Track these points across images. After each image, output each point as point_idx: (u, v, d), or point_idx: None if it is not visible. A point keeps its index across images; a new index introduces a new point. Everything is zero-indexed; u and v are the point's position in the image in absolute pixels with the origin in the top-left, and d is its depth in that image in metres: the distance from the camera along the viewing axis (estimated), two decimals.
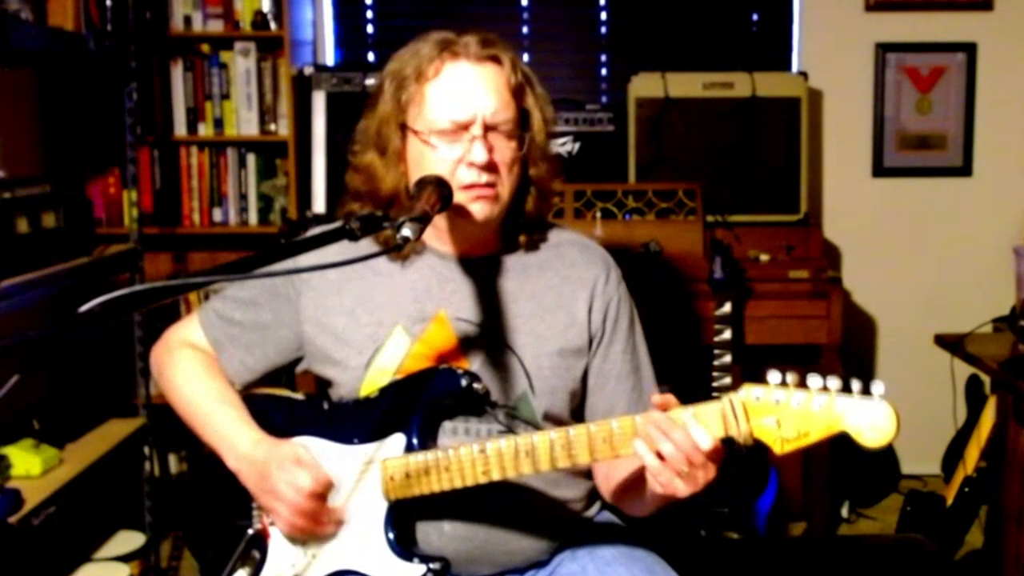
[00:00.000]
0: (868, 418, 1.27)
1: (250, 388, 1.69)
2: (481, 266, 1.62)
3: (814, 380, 1.30)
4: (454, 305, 1.59)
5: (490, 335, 1.59)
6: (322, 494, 1.51)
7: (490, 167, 1.51)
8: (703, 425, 1.34)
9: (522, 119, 1.57)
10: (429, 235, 1.60)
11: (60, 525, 2.53)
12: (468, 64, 1.53)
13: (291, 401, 1.66)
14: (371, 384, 1.58)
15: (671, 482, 1.35)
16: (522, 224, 1.64)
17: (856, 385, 1.28)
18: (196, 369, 1.66)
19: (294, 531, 1.53)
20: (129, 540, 2.96)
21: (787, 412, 1.31)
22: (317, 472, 1.51)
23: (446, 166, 1.51)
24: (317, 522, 1.52)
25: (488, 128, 1.52)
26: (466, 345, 1.58)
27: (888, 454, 3.71)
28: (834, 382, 1.29)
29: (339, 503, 1.54)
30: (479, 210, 1.53)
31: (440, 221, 1.57)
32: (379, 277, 1.62)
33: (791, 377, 1.31)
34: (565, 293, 1.63)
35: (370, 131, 1.60)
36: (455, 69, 1.53)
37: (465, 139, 1.51)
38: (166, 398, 1.70)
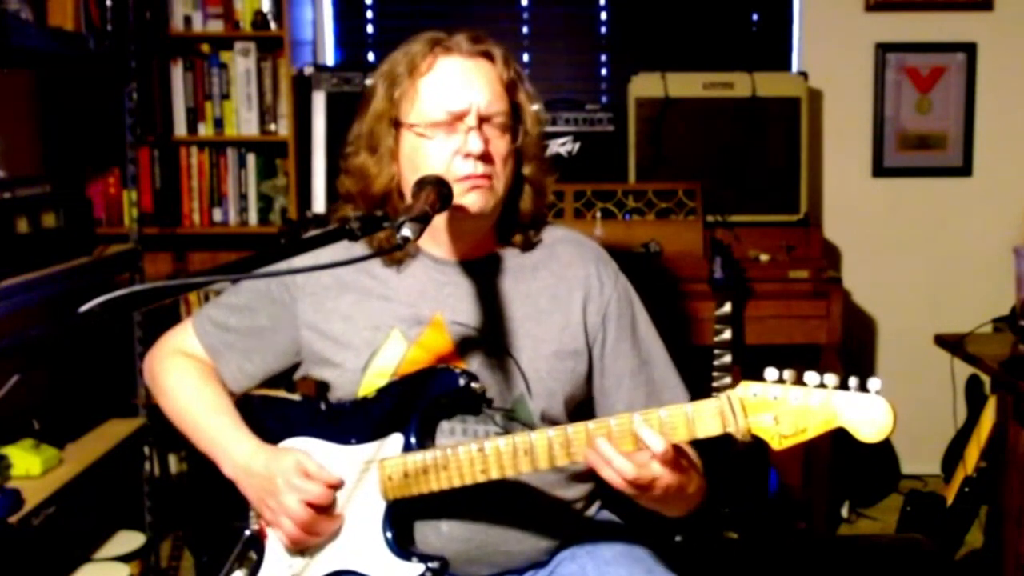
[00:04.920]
0: (865, 413, 1.28)
1: (247, 393, 1.68)
2: (477, 268, 1.62)
3: (811, 376, 1.31)
4: (450, 308, 1.59)
5: (487, 338, 1.59)
6: (331, 498, 1.51)
7: (485, 158, 1.52)
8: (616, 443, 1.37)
9: (515, 114, 1.58)
10: (424, 238, 1.59)
11: (60, 525, 2.52)
12: (460, 58, 1.54)
13: (288, 402, 1.65)
14: (368, 386, 1.58)
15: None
16: (517, 224, 1.64)
17: (853, 381, 1.29)
18: (189, 377, 1.66)
19: (299, 544, 1.52)
20: (129, 540, 2.96)
21: (784, 408, 1.32)
22: (327, 480, 1.50)
23: (441, 158, 1.51)
24: (323, 534, 1.52)
25: (482, 120, 1.52)
26: (463, 348, 1.58)
27: (888, 454, 3.71)
28: (831, 378, 1.30)
29: (338, 504, 1.54)
30: (473, 201, 1.53)
31: (436, 220, 1.57)
32: (375, 282, 1.62)
33: (788, 374, 1.32)
34: (560, 294, 1.63)
35: (362, 132, 1.60)
36: (448, 63, 1.54)
37: (460, 130, 1.51)
38: (160, 407, 1.70)
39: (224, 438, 1.58)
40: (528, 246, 1.65)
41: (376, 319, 1.59)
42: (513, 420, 1.59)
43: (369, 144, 1.59)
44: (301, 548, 1.54)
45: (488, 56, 1.56)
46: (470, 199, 1.52)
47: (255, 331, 1.66)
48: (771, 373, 1.33)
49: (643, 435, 1.36)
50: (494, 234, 1.64)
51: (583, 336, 1.63)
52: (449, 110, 1.51)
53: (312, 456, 1.54)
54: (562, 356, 1.61)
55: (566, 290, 1.63)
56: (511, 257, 1.65)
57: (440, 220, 1.57)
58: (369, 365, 1.58)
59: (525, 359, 1.59)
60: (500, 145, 1.55)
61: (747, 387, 1.34)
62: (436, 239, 1.61)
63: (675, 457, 1.38)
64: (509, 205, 1.61)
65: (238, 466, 1.55)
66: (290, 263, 1.31)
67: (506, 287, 1.62)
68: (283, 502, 1.50)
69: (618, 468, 1.36)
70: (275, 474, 1.51)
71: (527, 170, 1.62)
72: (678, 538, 2.83)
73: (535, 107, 1.62)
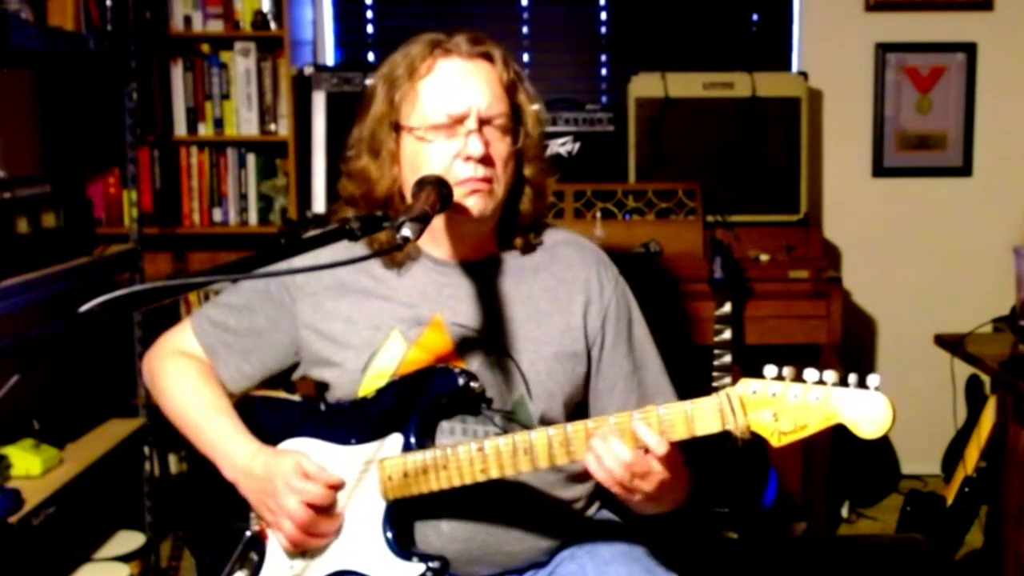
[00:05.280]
0: (865, 410, 1.28)
1: (247, 393, 1.68)
2: (477, 270, 1.62)
3: (810, 373, 1.31)
4: (450, 310, 1.59)
5: (487, 340, 1.58)
6: (331, 499, 1.51)
7: (486, 161, 1.52)
8: (624, 439, 1.37)
9: (515, 115, 1.57)
10: (425, 239, 1.59)
11: (60, 525, 2.52)
12: (460, 60, 1.54)
13: (287, 403, 1.65)
14: (368, 387, 1.58)
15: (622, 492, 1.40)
16: (518, 226, 1.63)
17: (852, 378, 1.29)
18: (188, 378, 1.65)
19: (299, 546, 1.52)
20: (129, 540, 2.96)
21: (784, 405, 1.31)
22: (327, 481, 1.50)
23: (442, 162, 1.51)
24: (323, 535, 1.52)
25: (483, 122, 1.52)
26: (463, 350, 1.58)
27: (888, 454, 3.71)
28: (830, 375, 1.30)
29: (338, 505, 1.53)
30: (474, 204, 1.52)
31: (436, 222, 1.57)
32: (375, 282, 1.61)
33: (787, 371, 1.32)
34: (561, 296, 1.63)
35: (363, 136, 1.60)
36: (448, 65, 1.54)
37: (460, 133, 1.51)
38: (160, 407, 1.69)
39: (224, 440, 1.58)
40: (529, 248, 1.65)
41: (376, 320, 1.59)
42: (512, 422, 1.58)
43: (370, 147, 1.58)
44: (301, 550, 1.54)
45: (488, 57, 1.56)
46: (471, 202, 1.52)
47: (254, 332, 1.65)
48: (770, 370, 1.32)
49: (642, 434, 1.36)
50: (495, 236, 1.64)
51: (583, 339, 1.63)
52: (449, 112, 1.51)
53: (312, 457, 1.54)
54: (562, 358, 1.61)
55: (567, 292, 1.63)
56: (512, 259, 1.64)
57: (440, 222, 1.57)
58: (369, 366, 1.58)
59: (525, 361, 1.59)
60: (501, 147, 1.54)
61: (746, 384, 1.34)
62: (436, 241, 1.61)
63: (671, 454, 1.38)
64: (509, 207, 1.61)
65: (238, 468, 1.55)
66: (290, 263, 1.31)
67: (507, 289, 1.62)
68: (282, 503, 1.49)
69: (616, 452, 1.36)
70: (275, 475, 1.51)
71: (528, 171, 1.61)
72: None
73: (536, 108, 1.61)
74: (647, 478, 1.38)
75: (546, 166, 1.65)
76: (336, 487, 1.51)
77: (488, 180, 1.53)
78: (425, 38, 1.56)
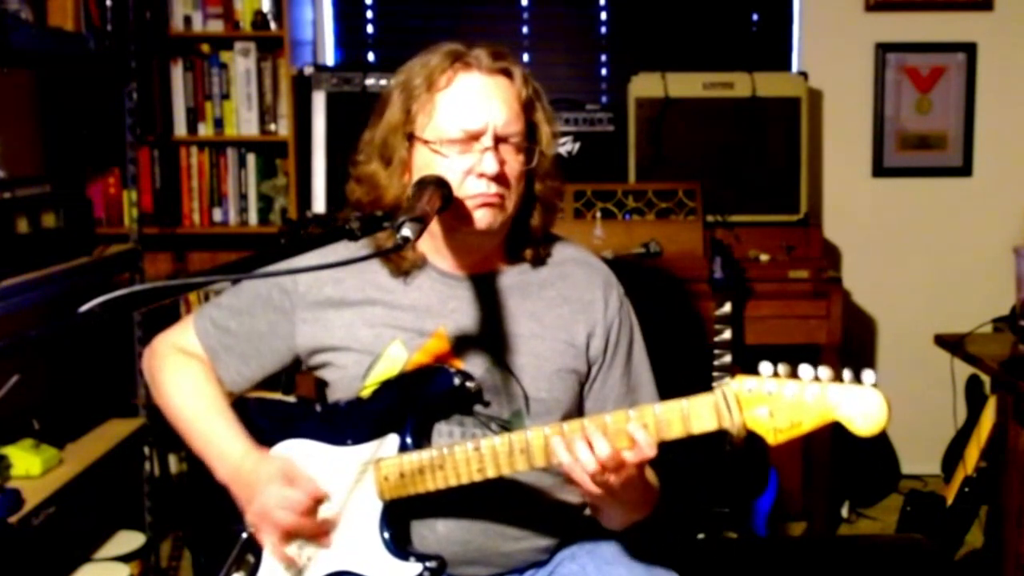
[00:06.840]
0: (860, 407, 1.28)
1: (245, 393, 1.68)
2: (484, 283, 1.61)
3: (806, 370, 1.31)
4: (454, 323, 1.58)
5: (489, 354, 1.58)
6: (314, 509, 1.51)
7: (499, 179, 1.51)
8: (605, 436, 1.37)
9: (530, 133, 1.57)
10: (430, 250, 1.60)
11: (60, 525, 2.52)
12: (480, 75, 1.53)
13: (284, 404, 1.66)
14: (368, 390, 1.58)
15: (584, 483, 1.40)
16: (527, 239, 1.63)
17: (847, 374, 1.29)
18: (188, 378, 1.65)
19: (283, 549, 1.52)
20: (129, 540, 2.96)
21: (780, 402, 1.32)
22: (309, 487, 1.51)
23: (454, 176, 1.50)
24: (308, 537, 1.52)
25: (498, 140, 1.51)
26: (464, 362, 1.58)
27: (888, 454, 3.71)
28: (825, 372, 1.30)
29: (334, 505, 1.53)
30: (482, 216, 1.52)
31: (442, 234, 1.57)
32: (381, 292, 1.61)
33: (783, 368, 1.32)
34: (565, 315, 1.62)
35: (375, 141, 1.59)
36: (467, 79, 1.52)
37: (476, 150, 1.50)
38: (159, 405, 1.70)
39: (219, 442, 1.59)
40: (538, 261, 1.65)
41: (379, 328, 1.59)
42: (508, 432, 1.58)
43: (381, 154, 1.58)
44: (286, 553, 1.54)
45: (507, 74, 1.55)
46: (479, 215, 1.51)
47: (254, 336, 1.65)
48: (766, 367, 1.32)
49: (637, 437, 1.36)
50: (503, 249, 1.63)
51: (584, 359, 1.62)
52: (465, 128, 1.50)
53: (309, 458, 1.55)
54: (563, 375, 1.60)
55: (571, 312, 1.62)
56: (519, 273, 1.64)
57: (445, 232, 1.57)
58: (370, 372, 1.58)
59: (527, 377, 1.58)
60: (514, 165, 1.53)
61: (742, 381, 1.34)
62: (442, 252, 1.60)
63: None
64: (519, 221, 1.60)
65: (230, 468, 1.56)
66: (290, 264, 1.31)
67: (512, 304, 1.61)
68: (266, 505, 1.49)
69: (596, 447, 1.36)
70: (260, 478, 1.51)
71: (539, 188, 1.60)
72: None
73: (551, 125, 1.61)
74: (619, 471, 1.38)
75: (558, 182, 1.64)
76: (318, 499, 1.51)
77: (500, 197, 1.52)
78: (445, 48, 1.54)
